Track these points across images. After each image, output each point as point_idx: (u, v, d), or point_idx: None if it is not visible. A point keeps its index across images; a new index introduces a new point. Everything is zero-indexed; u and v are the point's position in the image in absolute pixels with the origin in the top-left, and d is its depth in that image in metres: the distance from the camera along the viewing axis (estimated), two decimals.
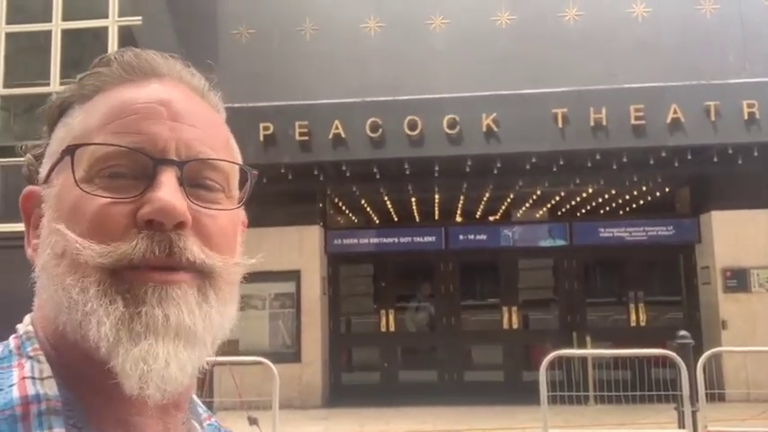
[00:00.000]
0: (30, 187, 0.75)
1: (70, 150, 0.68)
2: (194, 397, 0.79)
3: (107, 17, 13.38)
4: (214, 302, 0.69)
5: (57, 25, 13.53)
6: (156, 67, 0.73)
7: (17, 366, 0.64)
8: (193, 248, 0.66)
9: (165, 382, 0.63)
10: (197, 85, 0.76)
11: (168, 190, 0.65)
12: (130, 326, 0.63)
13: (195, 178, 0.69)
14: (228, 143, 0.76)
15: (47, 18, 13.55)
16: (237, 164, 0.75)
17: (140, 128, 0.68)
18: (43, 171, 0.73)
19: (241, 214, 0.76)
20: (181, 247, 0.66)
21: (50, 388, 0.63)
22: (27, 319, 0.71)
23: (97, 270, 0.64)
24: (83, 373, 0.66)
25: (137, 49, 0.74)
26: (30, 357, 0.65)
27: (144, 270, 0.65)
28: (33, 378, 0.63)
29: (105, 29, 13.36)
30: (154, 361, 0.63)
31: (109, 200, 0.65)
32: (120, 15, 13.32)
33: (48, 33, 13.52)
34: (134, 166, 0.67)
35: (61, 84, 13.32)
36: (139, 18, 12.00)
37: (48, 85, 13.40)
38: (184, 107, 0.71)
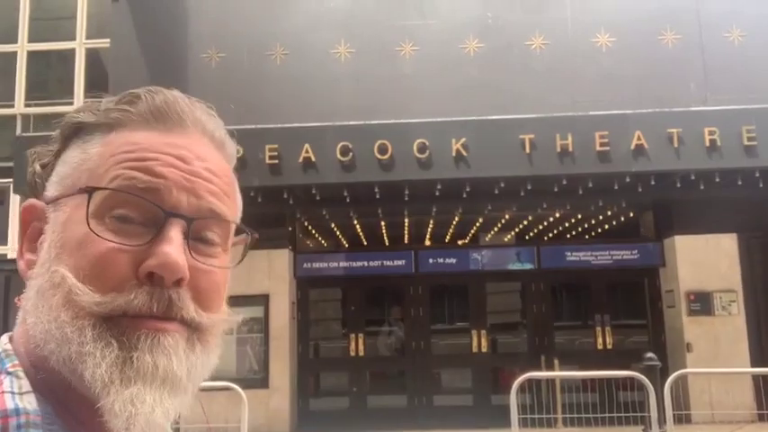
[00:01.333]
0: (33, 200, 0.75)
1: (88, 191, 0.69)
2: None
3: (74, 39, 13.27)
4: (200, 353, 0.72)
5: (22, 47, 13.38)
6: (183, 117, 0.75)
7: None
8: (189, 307, 0.69)
9: (149, 427, 0.65)
10: (218, 136, 0.78)
11: (174, 246, 0.68)
12: (123, 368, 0.65)
13: (199, 231, 0.72)
14: (234, 197, 0.79)
15: (12, 39, 13.39)
16: (240, 226, 0.78)
17: (157, 171, 0.70)
18: (52, 191, 0.73)
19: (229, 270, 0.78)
20: (179, 305, 0.68)
21: (30, 402, 0.64)
22: (5, 338, 0.72)
23: (92, 315, 0.65)
24: (57, 395, 0.67)
25: (167, 93, 0.75)
26: (9, 373, 0.66)
27: (137, 318, 0.67)
28: (12, 393, 0.64)
29: (72, 51, 13.24)
30: (141, 405, 0.65)
31: (116, 245, 0.67)
32: (87, 38, 13.22)
33: (13, 55, 13.35)
34: (145, 214, 0.69)
35: (26, 105, 13.14)
36: (107, 40, 11.92)
37: (12, 107, 13.21)
38: (201, 164, 0.73)
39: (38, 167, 0.77)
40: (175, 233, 0.68)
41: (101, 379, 0.64)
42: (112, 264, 0.66)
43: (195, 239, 0.71)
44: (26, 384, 0.65)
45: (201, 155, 0.74)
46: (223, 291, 0.75)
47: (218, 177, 0.75)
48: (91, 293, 0.65)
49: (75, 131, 0.75)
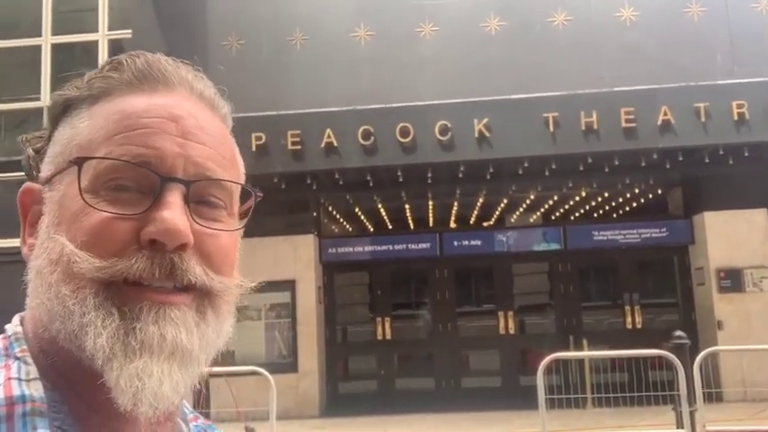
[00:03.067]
0: (29, 184, 0.74)
1: (78, 162, 0.67)
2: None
3: (97, 31, 13.38)
4: (212, 321, 0.70)
5: (46, 40, 13.52)
6: (167, 76, 0.72)
7: (4, 368, 0.64)
8: (195, 269, 0.67)
9: (157, 400, 0.63)
10: (207, 95, 0.75)
11: (174, 210, 0.65)
12: (125, 340, 0.63)
13: (200, 195, 0.69)
14: (234, 158, 0.76)
15: (36, 33, 13.53)
16: (242, 185, 0.75)
17: (149, 142, 0.67)
18: (45, 171, 0.72)
19: (239, 232, 0.75)
20: (183, 269, 0.66)
21: (36, 389, 0.63)
22: (16, 319, 0.71)
23: (93, 283, 0.64)
24: (69, 379, 0.66)
25: (149, 55, 0.73)
26: (17, 358, 0.65)
27: (141, 288, 0.65)
28: (19, 379, 0.63)
29: (95, 43, 13.35)
30: (148, 379, 0.63)
31: (112, 215, 0.65)
32: (110, 29, 13.31)
33: (37, 48, 13.50)
34: (141, 181, 0.67)
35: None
36: (129, 31, 12.00)
37: (38, 99, 13.38)
38: (194, 123, 0.70)
39: (31, 152, 0.75)
40: (174, 197, 0.66)
41: (102, 349, 0.62)
42: (111, 232, 0.64)
43: (198, 203, 0.69)
44: (33, 370, 0.64)
45: (192, 112, 0.71)
46: (233, 255, 0.73)
47: (212, 136, 0.72)
48: (90, 259, 0.63)
49: (64, 110, 0.73)
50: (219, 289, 0.69)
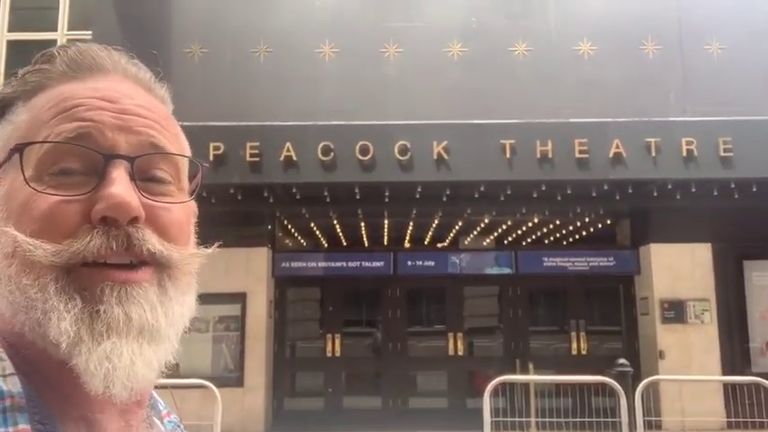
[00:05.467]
0: None
1: (18, 149, 0.66)
2: (154, 393, 0.78)
3: (56, 30, 13.12)
4: (173, 294, 0.69)
5: (2, 36, 13.20)
6: (100, 62, 0.73)
7: None
8: (152, 240, 0.67)
9: (131, 380, 0.63)
10: (142, 78, 0.75)
11: (120, 186, 0.65)
12: (92, 325, 0.63)
13: (146, 171, 0.69)
14: (178, 135, 0.76)
15: None
16: (187, 156, 0.75)
17: (85, 116, 0.67)
18: None
19: (192, 205, 0.76)
20: (140, 239, 0.65)
21: (14, 385, 0.62)
22: None
23: (52, 269, 0.63)
24: (42, 372, 0.65)
25: (80, 44, 0.73)
26: None
27: (101, 268, 0.64)
28: None
29: (53, 42, 13.08)
30: (119, 359, 0.62)
31: (60, 198, 0.64)
32: (69, 29, 13.08)
33: None
34: (84, 163, 0.66)
35: None
36: (89, 32, 11.80)
37: None
38: (130, 102, 0.71)
39: None
40: (119, 174, 0.65)
41: (66, 333, 0.61)
42: (61, 215, 0.64)
43: (145, 180, 0.68)
44: (9, 366, 0.63)
45: (129, 93, 0.71)
46: (187, 228, 0.73)
47: (153, 112, 0.72)
48: (44, 245, 0.63)
49: (2, 110, 0.72)
50: (177, 258, 0.69)
